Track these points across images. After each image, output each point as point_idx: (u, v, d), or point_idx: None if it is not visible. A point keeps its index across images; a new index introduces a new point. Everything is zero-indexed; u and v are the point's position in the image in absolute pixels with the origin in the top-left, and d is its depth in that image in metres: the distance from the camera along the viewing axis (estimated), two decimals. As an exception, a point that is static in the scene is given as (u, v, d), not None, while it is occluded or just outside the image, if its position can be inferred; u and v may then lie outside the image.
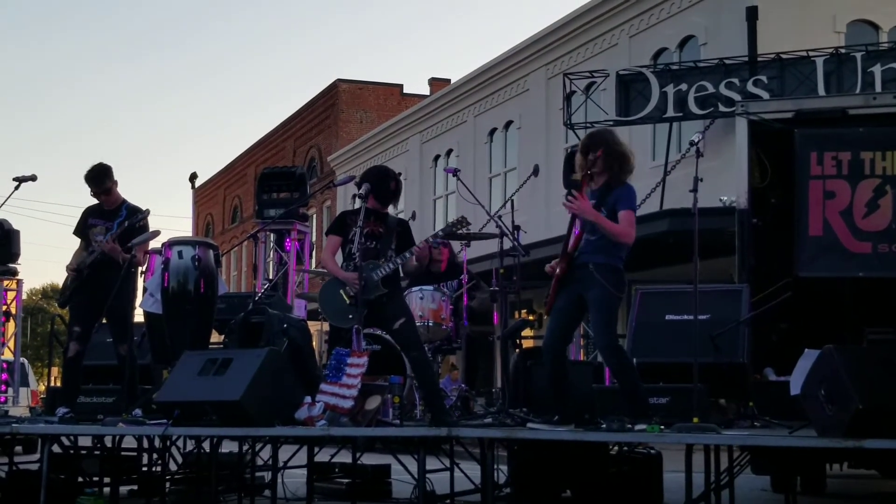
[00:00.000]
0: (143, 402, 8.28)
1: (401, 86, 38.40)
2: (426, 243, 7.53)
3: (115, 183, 8.74)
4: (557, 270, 6.90)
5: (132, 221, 8.44)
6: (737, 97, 16.07)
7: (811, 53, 16.76)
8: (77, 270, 8.58)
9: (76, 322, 8.63)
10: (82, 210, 8.89)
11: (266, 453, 9.11)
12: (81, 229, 8.81)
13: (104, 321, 8.59)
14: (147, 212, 8.58)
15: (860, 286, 8.51)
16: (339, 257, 7.77)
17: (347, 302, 7.44)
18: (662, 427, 6.33)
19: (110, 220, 8.59)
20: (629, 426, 6.43)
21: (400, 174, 7.87)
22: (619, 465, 7.68)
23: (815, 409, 5.89)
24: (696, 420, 6.26)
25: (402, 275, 7.81)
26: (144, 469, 9.42)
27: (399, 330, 7.49)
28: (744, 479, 7.95)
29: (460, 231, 7.69)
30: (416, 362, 7.56)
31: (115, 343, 8.58)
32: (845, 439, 5.60)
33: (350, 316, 7.36)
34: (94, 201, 8.82)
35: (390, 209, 7.85)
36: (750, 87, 16.87)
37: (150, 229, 8.59)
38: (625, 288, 6.97)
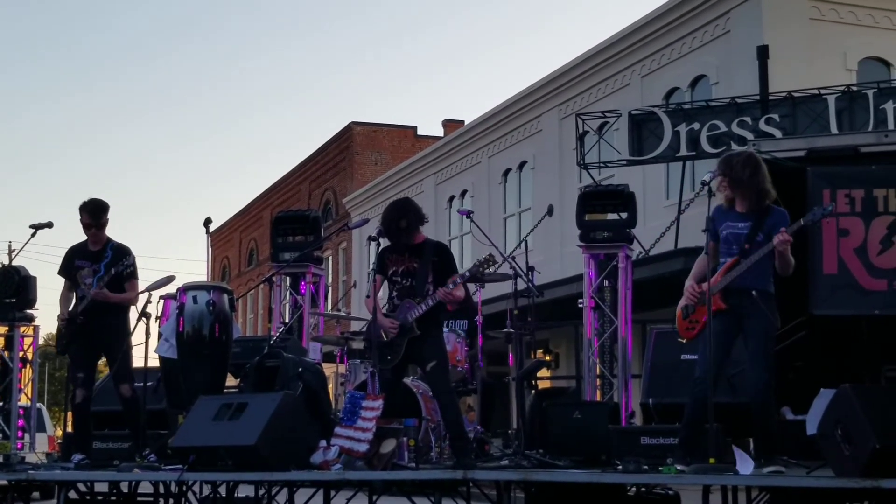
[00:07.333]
0: (158, 447, 8.29)
1: (415, 128, 38.53)
2: (448, 288, 7.44)
3: (107, 221, 8.77)
4: (723, 303, 6.60)
5: (118, 269, 8.44)
6: (749, 136, 16.05)
7: (823, 91, 16.76)
8: (69, 320, 8.58)
9: (78, 368, 8.63)
10: (66, 250, 8.83)
11: (282, 497, 9.08)
12: (67, 270, 8.76)
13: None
14: (132, 257, 8.56)
15: (876, 324, 8.47)
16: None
17: (385, 339, 7.56)
18: (679, 468, 6.30)
19: (96, 261, 8.58)
20: (645, 467, 6.40)
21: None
22: (636, 507, 7.64)
23: (832, 448, 5.86)
24: (712, 460, 6.24)
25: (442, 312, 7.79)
26: (160, 514, 9.39)
27: (430, 373, 7.57)
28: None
29: (488, 270, 7.64)
30: (443, 407, 7.61)
31: (115, 384, 8.59)
32: (863, 479, 5.56)
33: (388, 357, 7.55)
34: (78, 240, 8.79)
35: (429, 234, 7.84)
36: (762, 126, 16.86)
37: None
38: (778, 317, 6.70)
